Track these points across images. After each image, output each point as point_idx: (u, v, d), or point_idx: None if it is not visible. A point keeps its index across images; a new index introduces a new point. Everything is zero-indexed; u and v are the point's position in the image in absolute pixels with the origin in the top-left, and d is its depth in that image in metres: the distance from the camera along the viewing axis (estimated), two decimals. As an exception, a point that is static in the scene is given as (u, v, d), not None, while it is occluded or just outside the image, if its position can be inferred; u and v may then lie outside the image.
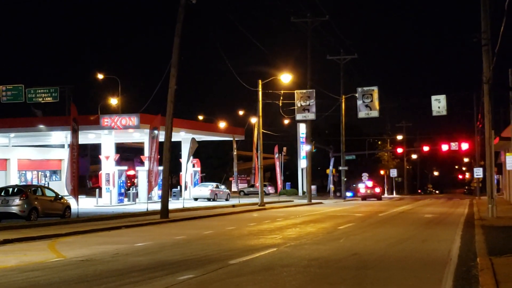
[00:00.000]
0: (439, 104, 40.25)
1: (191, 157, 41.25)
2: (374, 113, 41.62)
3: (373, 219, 29.38)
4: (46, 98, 54.62)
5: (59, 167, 55.39)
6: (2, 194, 26.94)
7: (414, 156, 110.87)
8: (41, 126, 44.22)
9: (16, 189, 27.70)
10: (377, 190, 62.59)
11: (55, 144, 58.16)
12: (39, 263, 14.24)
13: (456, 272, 12.52)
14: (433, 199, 69.32)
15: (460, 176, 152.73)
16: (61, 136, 51.54)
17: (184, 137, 48.68)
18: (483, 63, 28.48)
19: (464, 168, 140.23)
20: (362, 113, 41.66)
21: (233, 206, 41.62)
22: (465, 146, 68.59)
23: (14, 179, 47.39)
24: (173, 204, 35.53)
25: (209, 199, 48.54)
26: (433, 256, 15.17)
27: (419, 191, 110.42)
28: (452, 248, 16.81)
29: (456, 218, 30.20)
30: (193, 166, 52.50)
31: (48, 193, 28.34)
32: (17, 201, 26.13)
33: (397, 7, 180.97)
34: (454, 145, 68.25)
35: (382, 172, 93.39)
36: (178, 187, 50.68)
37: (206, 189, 49.59)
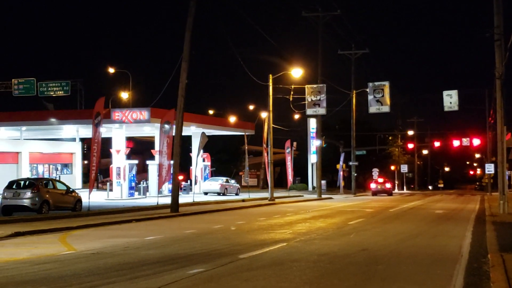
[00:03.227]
0: (450, 99, 40.04)
1: (201, 151, 41.30)
2: (385, 108, 41.46)
3: (383, 215, 29.30)
4: (58, 92, 54.88)
5: (70, 160, 55.64)
6: (14, 187, 27.11)
7: (425, 152, 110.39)
8: (53, 120, 44.45)
9: (27, 182, 27.86)
10: (388, 185, 62.45)
11: (66, 138, 58.44)
12: (50, 256, 14.31)
13: (467, 268, 12.47)
14: (443, 195, 69.04)
15: (471, 172, 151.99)
16: (73, 130, 51.77)
17: (194, 131, 48.74)
18: (496, 58, 28.28)
19: (475, 164, 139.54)
20: (373, 108, 41.51)
21: (243, 200, 41.65)
22: (476, 141, 68.26)
23: (25, 172, 47.67)
24: (183, 198, 35.61)
25: (219, 194, 48.60)
26: (443, 252, 15.11)
27: (430, 187, 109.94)
28: (463, 244, 16.74)
29: (467, 214, 30.07)
30: (203, 160, 52.56)
31: (59, 186, 28.51)
32: (28, 194, 26.28)
33: (408, 1, 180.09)
34: (465, 141, 67.94)
35: (392, 167, 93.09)
36: (188, 181, 50.78)
37: (216, 183, 49.65)
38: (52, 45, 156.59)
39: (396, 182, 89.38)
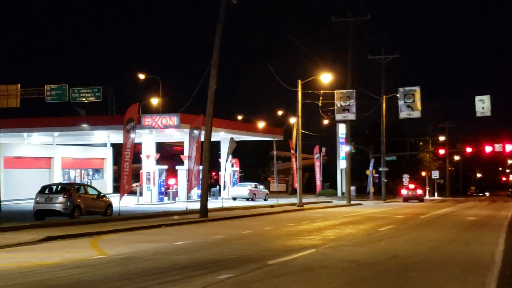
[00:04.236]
0: (483, 104, 39.49)
1: (230, 157, 41.40)
2: (416, 114, 41.05)
3: (414, 221, 29.00)
4: (89, 98, 55.56)
5: (101, 165, 56.23)
6: (46, 191, 27.48)
7: (456, 158, 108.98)
8: (85, 125, 45.01)
9: (59, 187, 28.21)
10: (419, 191, 61.87)
11: (97, 143, 59.11)
12: (82, 260, 14.48)
13: (500, 276, 12.26)
14: (475, 201, 68.06)
15: (504, 178, 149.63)
16: (104, 135, 52.34)
17: (223, 137, 48.88)
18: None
19: (508, 170, 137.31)
20: (404, 114, 41.14)
21: (272, 206, 41.60)
22: (509, 147, 67.08)
23: (58, 177, 48.29)
24: (212, 204, 35.71)
25: (247, 199, 48.63)
26: (476, 259, 14.90)
27: (468, 193, 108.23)
28: (496, 251, 16.48)
29: (499, 221, 29.59)
30: (232, 165, 52.65)
31: (90, 191, 28.82)
32: (60, 198, 26.62)
33: (440, 5, 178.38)
34: (498, 147, 66.87)
35: (423, 173, 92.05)
36: (217, 186, 50.92)
37: (245, 188, 49.68)
38: (84, 52, 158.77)
39: (427, 188, 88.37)
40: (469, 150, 75.12)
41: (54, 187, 28.21)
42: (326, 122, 67.32)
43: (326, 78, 43.23)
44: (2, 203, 23.16)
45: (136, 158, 46.63)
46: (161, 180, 41.89)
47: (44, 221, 25.60)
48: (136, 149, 35.92)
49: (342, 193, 63.81)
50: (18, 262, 14.25)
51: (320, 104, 45.55)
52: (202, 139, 31.65)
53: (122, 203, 29.88)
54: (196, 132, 34.57)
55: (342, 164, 65.66)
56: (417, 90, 40.99)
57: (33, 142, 53.11)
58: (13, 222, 23.33)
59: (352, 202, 52.00)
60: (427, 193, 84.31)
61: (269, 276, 12.11)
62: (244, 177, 62.85)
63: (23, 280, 11.64)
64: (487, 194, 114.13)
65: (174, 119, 40.49)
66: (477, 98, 39.76)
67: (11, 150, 44.18)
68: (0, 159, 41.21)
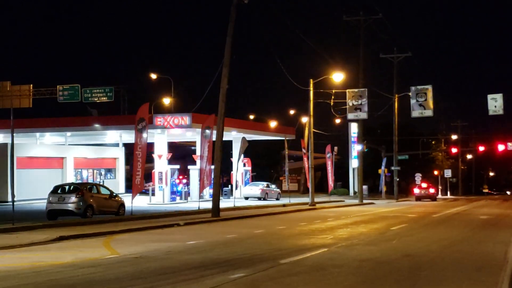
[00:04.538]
0: (495, 103, 39.23)
1: (242, 156, 41.41)
2: (428, 113, 40.86)
3: (426, 220, 28.88)
4: (102, 98, 55.73)
5: (113, 165, 56.46)
6: (59, 191, 27.62)
7: (469, 156, 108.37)
8: (97, 125, 45.20)
9: (72, 187, 28.35)
10: (432, 190, 61.61)
11: (109, 143, 59.33)
12: (94, 259, 14.55)
13: (513, 276, 12.19)
14: (488, 200, 67.66)
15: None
16: (116, 135, 52.55)
17: (235, 136, 48.92)
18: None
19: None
20: (416, 113, 40.96)
21: (284, 205, 41.58)
22: (522, 146, 66.59)
23: (70, 177, 48.54)
24: (224, 203, 35.75)
25: (259, 198, 48.63)
26: (488, 258, 14.81)
27: (485, 190, 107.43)
28: (509, 250, 16.38)
29: (512, 220, 29.41)
30: (244, 165, 52.67)
31: (103, 191, 28.94)
32: (73, 198, 26.75)
33: (452, 3, 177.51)
34: (510, 145, 66.46)
35: (436, 172, 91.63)
36: (229, 186, 50.93)
37: (257, 188, 49.69)
38: (96, 52, 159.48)
39: (440, 187, 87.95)
40: (481, 148, 74.69)
41: (67, 187, 28.35)
42: (338, 121, 67.16)
43: (338, 77, 43.12)
44: (15, 203, 23.28)
45: (149, 157, 46.82)
46: (173, 179, 42.01)
47: (57, 221, 25.74)
48: (150, 149, 36.07)
49: (354, 192, 63.66)
50: (31, 261, 14.35)
51: (332, 103, 45.46)
52: (214, 138, 31.68)
53: (134, 202, 29.97)
54: (208, 131, 34.61)
55: (354, 163, 65.51)
56: (429, 88, 40.80)
57: (45, 142, 53.41)
58: (26, 222, 23.50)
59: (364, 201, 51.86)
60: (439, 192, 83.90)
61: (282, 275, 12.10)
62: (256, 176, 62.84)
63: (36, 280, 11.72)
64: (508, 192, 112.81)
65: (186, 119, 40.57)
66: (490, 96, 39.51)
67: (24, 150, 44.45)
68: (14, 159, 41.45)
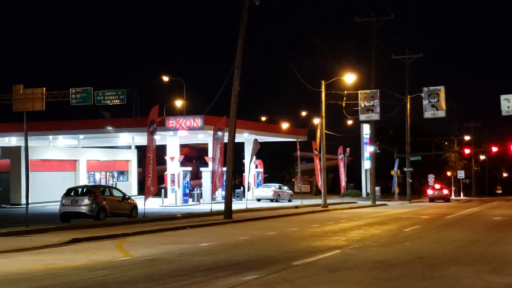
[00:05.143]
0: (508, 103, 39.00)
1: (254, 158, 41.42)
2: (441, 113, 40.73)
3: (440, 222, 28.73)
4: (114, 101, 55.98)
5: (126, 168, 56.67)
6: (72, 194, 27.76)
7: (482, 157, 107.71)
8: (109, 128, 45.39)
9: (85, 189, 28.49)
10: (445, 191, 61.38)
11: (122, 145, 59.55)
12: (107, 262, 14.60)
13: (528, 277, 12.10)
14: (502, 201, 67.20)
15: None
16: (128, 138, 52.74)
17: (247, 138, 48.94)
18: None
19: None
20: (428, 113, 40.84)
21: (296, 207, 41.54)
22: (536, 146, 66.02)
23: (83, 180, 48.79)
24: (236, 205, 35.78)
25: (272, 200, 48.60)
26: (502, 259, 14.72)
27: (498, 191, 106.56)
28: (523, 252, 16.26)
29: (527, 221, 29.18)
30: (256, 167, 52.67)
31: (115, 193, 29.04)
32: (86, 201, 26.87)
33: (464, 4, 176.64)
34: (524, 146, 65.88)
35: (448, 173, 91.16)
36: (241, 187, 50.95)
37: (269, 190, 49.67)
38: (109, 54, 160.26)
39: (453, 188, 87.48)
40: (494, 149, 74.20)
41: (80, 190, 28.48)
42: (350, 122, 67.01)
43: (349, 78, 43.05)
44: (28, 206, 23.42)
45: (161, 160, 46.97)
46: (185, 181, 42.11)
47: (70, 223, 25.88)
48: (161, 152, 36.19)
49: (367, 194, 63.48)
50: (44, 264, 14.42)
51: (344, 105, 45.36)
52: (226, 140, 31.71)
53: (147, 205, 30.05)
54: (219, 133, 34.66)
55: (366, 164, 65.31)
56: (442, 89, 40.67)
57: (58, 145, 53.70)
58: (40, 225, 23.64)
59: (377, 202, 51.70)
60: (452, 193, 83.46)
61: (294, 277, 12.09)
62: (268, 178, 62.81)
63: (50, 282, 11.78)
64: None
65: (198, 121, 40.66)
66: (503, 97, 39.28)
67: (37, 153, 44.72)
68: (28, 162, 41.72)
